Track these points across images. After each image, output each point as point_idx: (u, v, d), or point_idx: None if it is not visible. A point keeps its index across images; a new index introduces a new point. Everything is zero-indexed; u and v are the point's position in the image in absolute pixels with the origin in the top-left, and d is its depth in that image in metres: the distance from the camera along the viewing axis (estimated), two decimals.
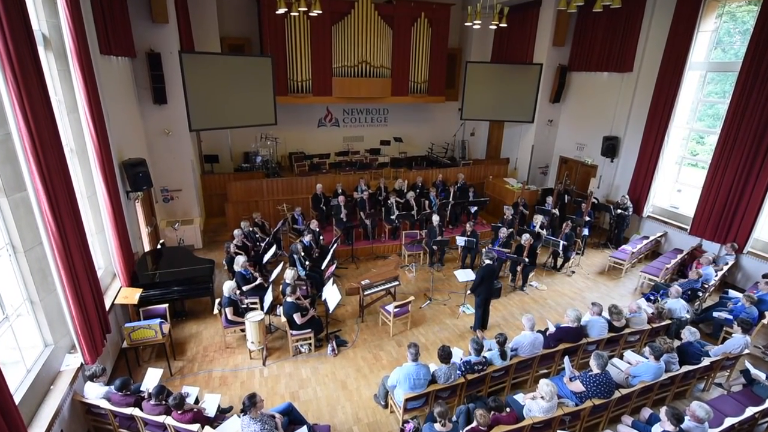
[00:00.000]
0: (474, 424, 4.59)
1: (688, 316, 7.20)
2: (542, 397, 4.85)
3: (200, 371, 6.61)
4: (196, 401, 5.34)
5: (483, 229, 11.56)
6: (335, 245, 8.98)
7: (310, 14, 10.46)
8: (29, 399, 4.43)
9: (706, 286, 8.24)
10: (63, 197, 4.85)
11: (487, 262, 7.41)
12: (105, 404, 4.91)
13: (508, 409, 5.00)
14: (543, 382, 4.92)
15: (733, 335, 6.47)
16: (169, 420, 4.72)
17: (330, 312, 7.13)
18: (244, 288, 7.58)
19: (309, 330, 6.88)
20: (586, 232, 10.76)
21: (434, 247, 9.85)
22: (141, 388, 5.30)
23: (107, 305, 6.14)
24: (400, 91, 14.36)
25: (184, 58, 9.79)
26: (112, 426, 5.14)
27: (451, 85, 15.80)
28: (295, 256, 8.32)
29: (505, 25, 10.17)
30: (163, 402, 4.84)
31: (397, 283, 8.35)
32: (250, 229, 9.46)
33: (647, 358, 5.69)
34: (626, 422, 5.39)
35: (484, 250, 7.93)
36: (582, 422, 5.28)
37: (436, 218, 9.99)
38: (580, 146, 13.33)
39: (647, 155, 10.95)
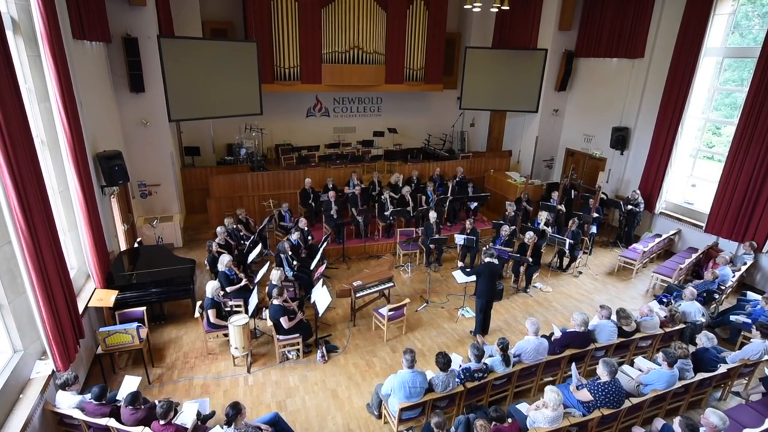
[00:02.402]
0: None
1: (704, 320, 7.23)
2: (545, 405, 4.89)
3: (180, 379, 6.62)
4: (175, 411, 5.33)
5: (483, 226, 11.62)
6: (325, 244, 9.00)
7: None
8: None
9: (723, 287, 8.29)
10: (33, 193, 4.83)
11: (488, 260, 7.42)
12: (78, 414, 4.90)
13: (510, 420, 5.03)
14: (548, 389, 4.93)
15: (751, 340, 6.48)
16: (147, 431, 4.73)
17: (319, 315, 7.14)
18: (228, 290, 7.59)
19: (297, 335, 6.90)
20: (594, 229, 10.83)
21: (431, 246, 9.86)
22: (117, 397, 5.30)
23: (80, 308, 6.12)
24: (394, 78, 14.34)
25: (163, 44, 9.75)
26: None
27: (450, 72, 15.80)
28: (282, 255, 8.32)
29: (507, 7, 10.19)
30: (140, 407, 4.85)
31: (391, 284, 8.38)
32: (234, 226, 9.46)
33: (659, 365, 5.70)
34: None
35: (484, 249, 7.95)
36: None
37: (433, 215, 10.01)
38: (587, 138, 13.40)
39: (660, 147, 11.02)
